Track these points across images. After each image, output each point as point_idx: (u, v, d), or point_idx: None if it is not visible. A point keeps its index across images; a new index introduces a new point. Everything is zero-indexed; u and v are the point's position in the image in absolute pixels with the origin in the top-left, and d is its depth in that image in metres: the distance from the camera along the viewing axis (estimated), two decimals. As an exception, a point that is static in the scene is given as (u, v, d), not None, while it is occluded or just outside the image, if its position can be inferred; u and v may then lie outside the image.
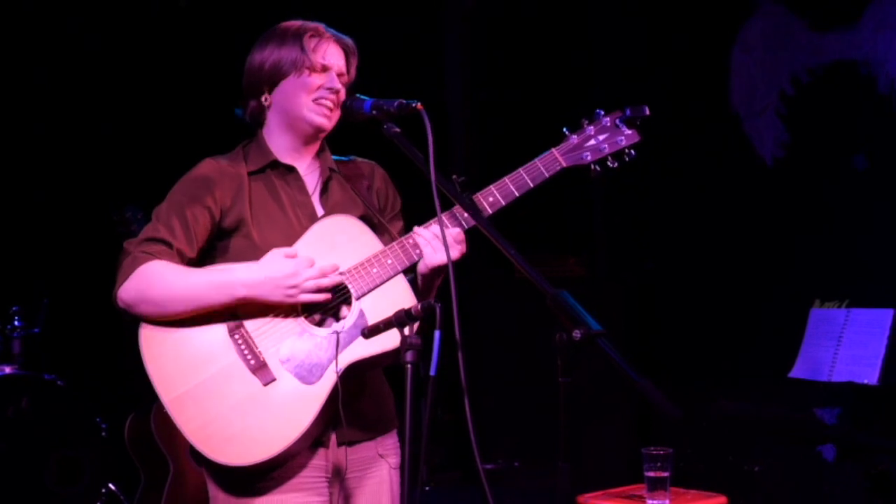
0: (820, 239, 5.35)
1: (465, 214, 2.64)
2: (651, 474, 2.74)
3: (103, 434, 5.09)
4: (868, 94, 5.21)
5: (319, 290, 2.61)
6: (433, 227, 2.66)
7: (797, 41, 5.54)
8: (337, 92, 2.72)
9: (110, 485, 5.09)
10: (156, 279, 2.59)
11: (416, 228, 2.68)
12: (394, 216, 2.89)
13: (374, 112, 2.63)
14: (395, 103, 2.58)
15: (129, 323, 2.68)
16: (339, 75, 2.74)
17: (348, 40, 2.81)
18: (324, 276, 2.61)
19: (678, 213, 6.06)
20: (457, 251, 2.61)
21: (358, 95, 2.72)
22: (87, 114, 5.85)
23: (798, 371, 4.55)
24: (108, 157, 5.84)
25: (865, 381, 4.25)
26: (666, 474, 2.72)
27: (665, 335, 6.06)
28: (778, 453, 4.52)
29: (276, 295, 2.59)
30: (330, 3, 5.95)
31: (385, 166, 2.93)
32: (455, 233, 2.64)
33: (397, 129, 2.58)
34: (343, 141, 2.89)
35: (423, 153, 2.46)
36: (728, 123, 5.84)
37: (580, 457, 2.59)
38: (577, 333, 2.11)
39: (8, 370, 5.02)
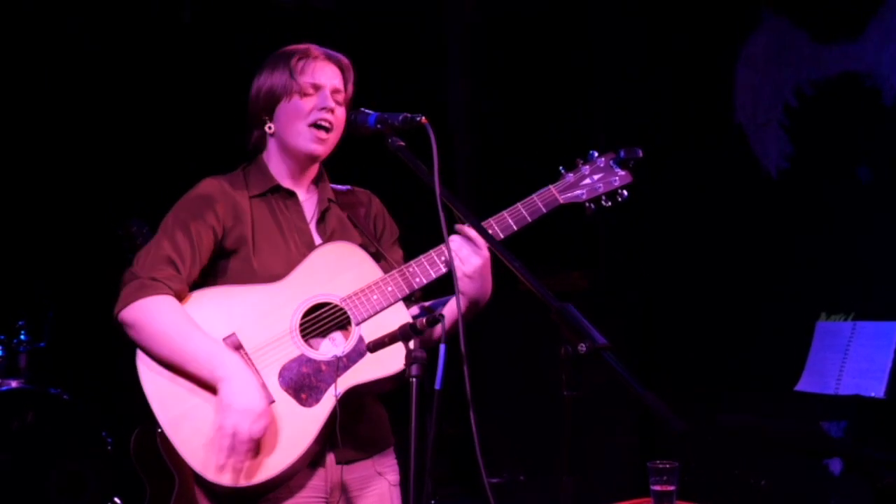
0: (825, 251, 5.34)
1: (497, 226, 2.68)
2: (657, 488, 2.72)
3: (109, 448, 5.09)
4: (872, 106, 5.21)
5: (236, 447, 2.53)
6: (452, 243, 2.64)
7: (801, 54, 5.55)
8: (332, 110, 2.72)
9: (115, 499, 5.09)
10: (156, 318, 2.58)
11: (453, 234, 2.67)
12: (392, 243, 2.90)
13: (378, 126, 2.63)
14: (400, 117, 2.58)
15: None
16: (335, 92, 2.74)
17: (341, 56, 2.80)
18: (247, 445, 2.54)
19: (683, 226, 6.05)
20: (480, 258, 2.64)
21: (362, 109, 2.70)
22: (93, 128, 5.86)
23: (804, 384, 4.54)
24: (114, 171, 5.85)
25: (872, 395, 4.23)
26: (672, 488, 2.71)
27: (670, 348, 6.05)
28: (784, 467, 4.51)
29: (229, 402, 2.52)
30: (332, 13, 6.01)
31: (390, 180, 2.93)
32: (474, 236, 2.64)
33: (402, 143, 2.58)
34: (350, 156, 2.90)
35: (427, 166, 2.46)
36: (732, 136, 5.84)
37: (585, 470, 2.59)
38: (581, 347, 2.11)
39: (14, 384, 5.03)
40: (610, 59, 6.43)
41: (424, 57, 6.61)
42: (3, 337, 5.13)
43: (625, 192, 2.79)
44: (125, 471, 4.99)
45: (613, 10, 6.37)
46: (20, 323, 5.17)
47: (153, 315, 2.59)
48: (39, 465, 5.00)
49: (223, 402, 2.53)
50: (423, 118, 2.54)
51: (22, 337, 5.14)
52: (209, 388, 2.59)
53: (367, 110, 2.69)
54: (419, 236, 2.70)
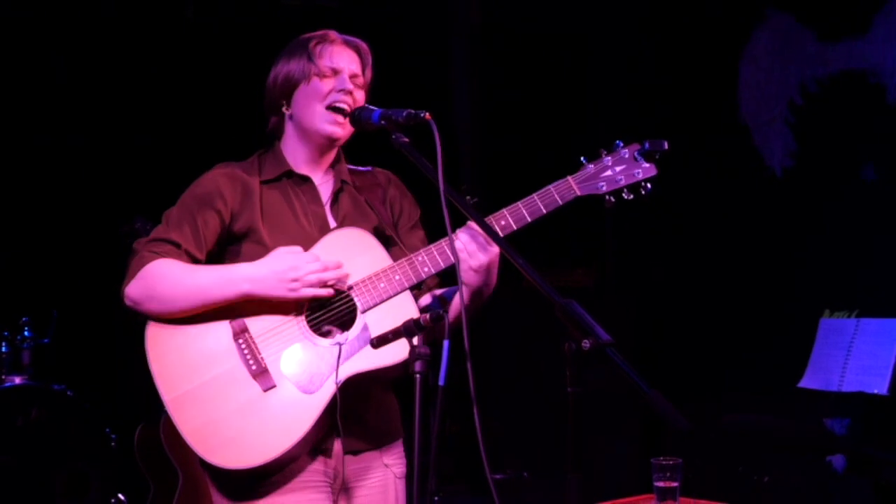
0: (829, 248, 5.34)
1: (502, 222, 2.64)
2: (660, 484, 2.72)
3: (112, 445, 5.09)
4: (877, 103, 5.20)
5: (322, 285, 2.62)
6: (462, 236, 2.63)
7: (806, 51, 5.54)
8: (350, 93, 2.72)
9: (119, 495, 5.09)
10: (163, 276, 2.62)
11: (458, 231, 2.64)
12: (412, 226, 2.89)
13: (382, 122, 2.63)
14: (404, 113, 2.58)
15: (137, 333, 2.69)
16: (353, 77, 2.75)
17: (359, 42, 2.81)
18: (326, 269, 2.62)
19: (687, 224, 6.05)
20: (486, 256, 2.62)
21: (367, 105, 2.73)
22: (96, 126, 5.87)
23: (807, 381, 4.54)
24: (117, 168, 5.85)
25: (875, 391, 4.23)
26: (675, 484, 2.71)
27: (673, 345, 6.05)
28: (787, 464, 4.51)
29: (279, 289, 2.60)
30: (336, 11, 6.01)
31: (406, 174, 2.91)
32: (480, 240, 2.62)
33: (406, 139, 2.58)
34: (366, 149, 2.89)
35: (432, 163, 2.46)
36: (737, 133, 5.84)
37: (589, 467, 2.58)
38: (585, 343, 2.11)
39: (17, 381, 5.03)
40: (613, 57, 6.43)
41: (429, 54, 6.61)
42: (6, 333, 5.13)
43: (648, 185, 2.68)
44: (129, 468, 5.00)
45: (617, 9, 6.37)
46: (24, 319, 5.16)
47: (159, 275, 2.62)
48: (43, 461, 5.00)
49: (269, 281, 2.60)
50: (427, 114, 2.54)
51: (26, 333, 5.14)
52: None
53: (371, 106, 2.71)
54: (438, 224, 2.67)
